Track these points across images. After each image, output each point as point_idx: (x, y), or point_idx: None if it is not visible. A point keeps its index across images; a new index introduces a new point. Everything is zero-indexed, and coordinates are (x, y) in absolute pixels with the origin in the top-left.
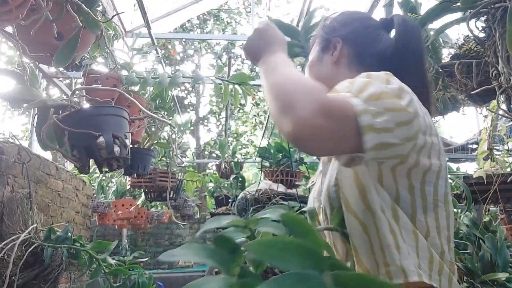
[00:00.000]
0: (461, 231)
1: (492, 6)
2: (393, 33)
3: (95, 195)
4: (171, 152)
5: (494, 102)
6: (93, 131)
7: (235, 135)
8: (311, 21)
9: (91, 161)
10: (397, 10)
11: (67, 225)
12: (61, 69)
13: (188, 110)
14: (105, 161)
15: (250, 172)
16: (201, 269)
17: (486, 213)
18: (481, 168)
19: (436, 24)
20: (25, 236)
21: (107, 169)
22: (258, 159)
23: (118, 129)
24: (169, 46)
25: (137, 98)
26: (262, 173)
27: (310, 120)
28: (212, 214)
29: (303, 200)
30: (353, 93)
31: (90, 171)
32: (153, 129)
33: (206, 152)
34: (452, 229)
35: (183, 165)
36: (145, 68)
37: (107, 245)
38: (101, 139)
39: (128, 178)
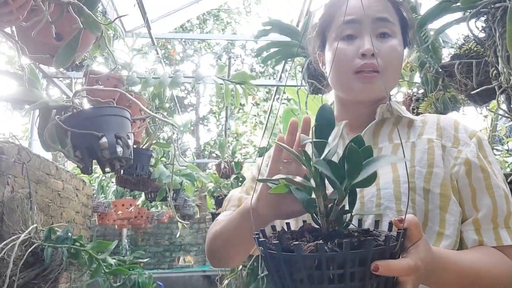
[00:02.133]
0: None
1: (492, 6)
2: None
3: (95, 195)
4: (170, 153)
5: (494, 102)
6: (95, 132)
7: (235, 135)
8: (311, 21)
9: (94, 162)
10: None
11: (67, 225)
12: (61, 69)
13: (188, 110)
14: (107, 161)
15: (249, 172)
16: (201, 269)
17: None
18: None
19: (436, 24)
20: (25, 236)
21: (110, 170)
22: (258, 159)
23: (120, 129)
24: (169, 46)
25: (138, 98)
26: None
27: None
28: (213, 214)
29: None
30: None
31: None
32: (152, 128)
33: (206, 152)
34: None
35: (184, 165)
36: (145, 68)
37: (107, 245)
38: (104, 139)
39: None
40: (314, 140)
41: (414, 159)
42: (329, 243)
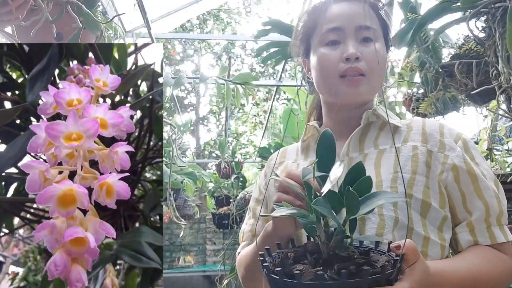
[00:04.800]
0: None
1: (492, 6)
2: None
3: None
4: (170, 153)
5: (494, 102)
6: None
7: (235, 135)
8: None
9: None
10: (397, 10)
11: None
12: None
13: (188, 110)
14: None
15: (249, 172)
16: (201, 269)
17: None
18: None
19: (436, 24)
20: None
21: None
22: (258, 159)
23: None
24: (169, 46)
25: None
26: None
27: None
28: (213, 214)
29: None
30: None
31: None
32: None
33: (206, 152)
34: None
35: (184, 166)
36: None
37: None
38: None
39: None
40: (316, 174)
41: (397, 165)
42: (328, 271)
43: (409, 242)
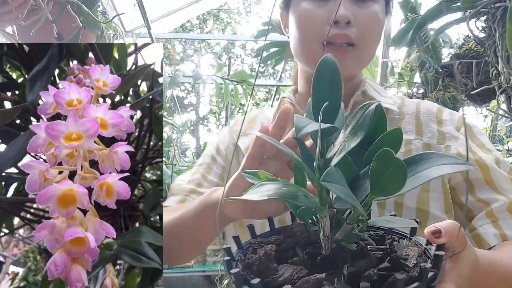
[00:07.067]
0: None
1: (492, 6)
2: None
3: None
4: (170, 153)
5: (494, 102)
6: None
7: None
8: None
9: None
10: (397, 10)
11: None
12: None
13: (188, 110)
14: None
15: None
16: (201, 269)
17: None
18: None
19: (436, 24)
20: None
21: None
22: None
23: None
24: (169, 46)
25: None
26: None
27: None
28: None
29: None
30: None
31: None
32: None
33: None
34: None
35: (184, 167)
36: None
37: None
38: None
39: None
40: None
41: None
42: (333, 278)
43: (453, 223)
